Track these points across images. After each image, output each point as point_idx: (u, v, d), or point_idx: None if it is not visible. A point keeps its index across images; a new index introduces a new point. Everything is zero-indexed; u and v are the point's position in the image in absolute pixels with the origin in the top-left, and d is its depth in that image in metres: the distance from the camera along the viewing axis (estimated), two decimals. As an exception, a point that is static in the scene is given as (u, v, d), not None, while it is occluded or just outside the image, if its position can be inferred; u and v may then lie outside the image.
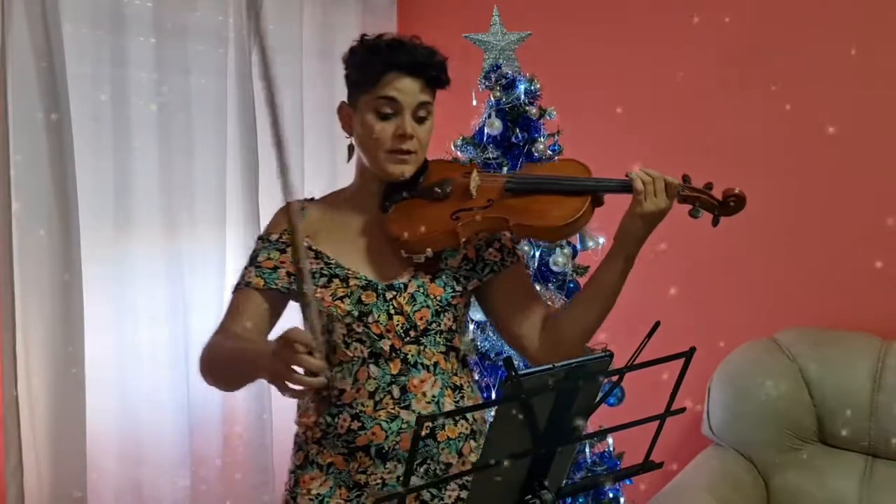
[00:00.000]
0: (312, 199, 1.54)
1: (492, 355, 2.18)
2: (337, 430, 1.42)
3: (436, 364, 1.43)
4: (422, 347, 1.42)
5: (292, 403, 1.47)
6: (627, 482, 2.31)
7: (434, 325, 1.43)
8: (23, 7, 2.17)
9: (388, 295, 1.41)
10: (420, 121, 1.41)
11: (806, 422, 2.32)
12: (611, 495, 2.25)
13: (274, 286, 1.43)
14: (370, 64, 1.38)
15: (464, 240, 1.37)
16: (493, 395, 2.16)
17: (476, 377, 2.20)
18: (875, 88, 2.40)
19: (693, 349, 1.22)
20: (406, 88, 1.37)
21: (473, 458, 1.48)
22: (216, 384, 1.44)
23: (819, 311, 2.48)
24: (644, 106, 2.78)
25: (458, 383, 1.47)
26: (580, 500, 2.20)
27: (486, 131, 2.23)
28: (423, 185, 1.44)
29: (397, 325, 1.40)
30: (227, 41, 2.72)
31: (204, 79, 2.69)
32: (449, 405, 1.43)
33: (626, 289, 2.41)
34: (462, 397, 1.46)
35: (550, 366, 1.13)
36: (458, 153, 2.29)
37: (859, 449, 2.28)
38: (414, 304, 1.42)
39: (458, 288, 1.45)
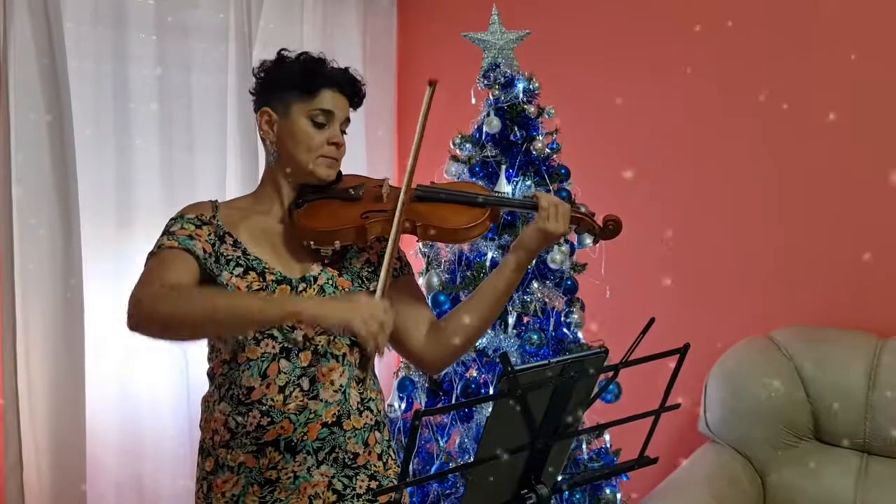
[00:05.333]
0: (217, 201, 1.57)
1: (489, 352, 2.19)
2: (246, 429, 1.45)
3: (343, 355, 1.50)
4: (331, 337, 1.48)
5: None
6: (624, 478, 2.32)
7: None
8: (25, 4, 2.18)
9: (301, 287, 1.47)
10: (342, 133, 1.54)
11: (802, 419, 2.33)
12: (607, 491, 2.27)
13: (190, 248, 1.42)
14: (311, 77, 1.49)
15: (371, 237, 1.47)
16: (491, 391, 2.17)
17: (474, 373, 2.22)
18: (873, 86, 2.41)
19: (687, 345, 1.23)
20: (339, 104, 1.51)
21: (379, 449, 1.54)
22: (163, 332, 1.35)
23: (815, 310, 2.49)
24: (642, 105, 2.79)
25: (361, 376, 1.54)
26: (576, 496, 2.22)
27: (484, 130, 2.24)
28: (337, 188, 1.55)
29: None
30: (228, 38, 2.73)
31: (205, 76, 2.70)
32: (354, 396, 1.50)
33: (624, 286, 2.44)
34: (366, 389, 1.54)
35: (546, 361, 1.15)
36: (458, 151, 2.30)
37: (854, 446, 2.29)
38: (323, 295, 1.48)
39: (363, 286, 1.54)
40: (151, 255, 1.44)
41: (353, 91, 1.53)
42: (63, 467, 2.32)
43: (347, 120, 1.54)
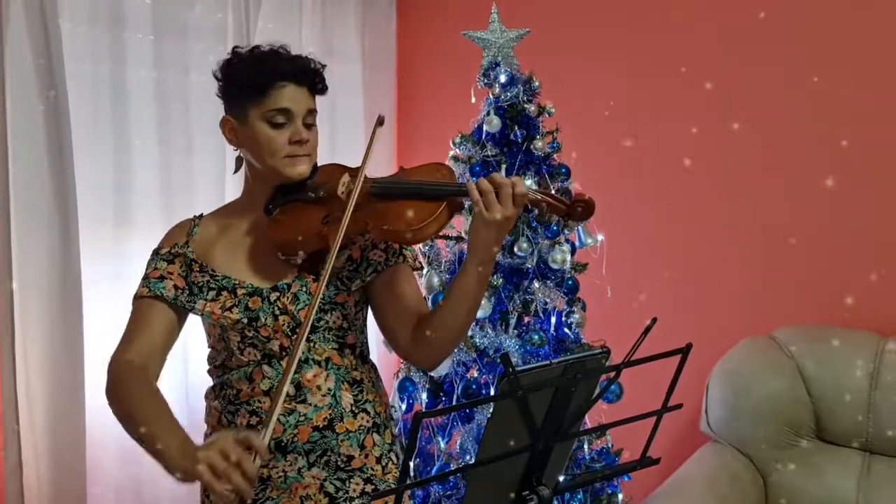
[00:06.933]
0: (202, 215, 1.57)
1: (490, 352, 2.18)
2: (237, 428, 1.46)
3: (328, 360, 1.48)
4: (311, 344, 1.47)
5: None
6: (625, 478, 2.31)
7: (322, 323, 1.48)
8: (21, 4, 2.17)
9: (273, 297, 1.46)
10: (308, 126, 1.47)
11: (804, 418, 2.32)
12: (609, 491, 2.26)
13: (159, 293, 1.46)
14: (258, 76, 1.41)
15: (333, 243, 1.39)
16: (492, 392, 2.16)
17: (475, 374, 2.21)
18: (873, 89, 2.40)
19: (689, 345, 1.23)
20: (295, 97, 1.43)
21: (377, 452, 1.52)
22: (115, 415, 1.39)
23: (817, 309, 2.48)
24: (642, 103, 2.78)
25: (357, 377, 1.51)
26: (578, 497, 2.21)
27: (484, 129, 2.23)
28: (306, 188, 1.49)
29: (283, 324, 1.45)
30: (227, 39, 2.72)
31: (203, 76, 2.68)
32: (347, 398, 1.48)
33: (626, 285, 2.43)
34: (361, 391, 1.51)
35: (548, 362, 1.14)
36: (458, 151, 2.29)
37: (857, 445, 2.28)
38: (297, 303, 1.46)
39: (342, 287, 1.49)
40: (133, 301, 1.50)
41: (310, 80, 1.46)
42: (63, 470, 2.31)
43: (311, 111, 1.46)
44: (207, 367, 1.56)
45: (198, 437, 1.58)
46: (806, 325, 2.45)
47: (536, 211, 1.41)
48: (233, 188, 2.70)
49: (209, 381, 1.59)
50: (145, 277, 1.50)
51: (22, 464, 2.25)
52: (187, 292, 1.47)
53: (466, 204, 1.54)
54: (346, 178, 1.49)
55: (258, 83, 1.41)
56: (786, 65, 2.53)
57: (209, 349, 1.55)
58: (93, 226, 2.42)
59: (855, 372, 2.27)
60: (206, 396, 1.58)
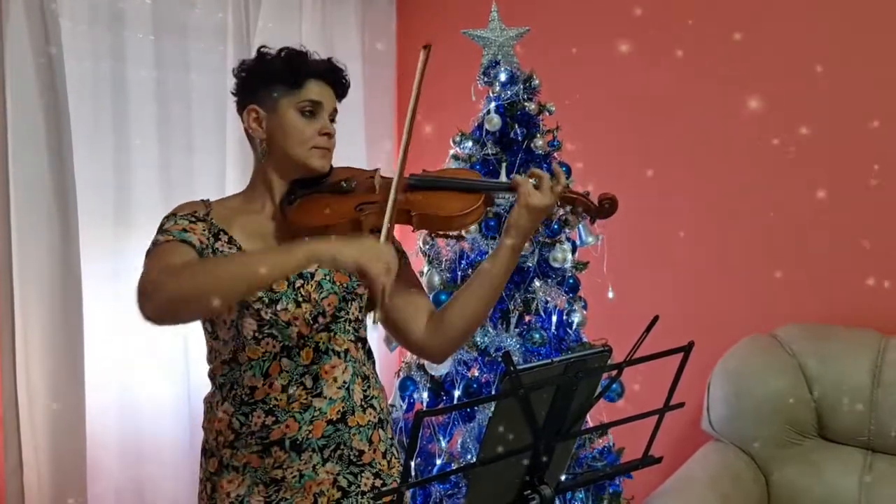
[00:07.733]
0: (209, 200, 1.55)
1: (491, 351, 2.18)
2: (251, 428, 1.45)
3: (346, 351, 1.49)
4: (332, 334, 1.48)
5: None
6: (627, 477, 2.31)
7: (343, 313, 1.50)
8: (21, 3, 2.17)
9: (298, 283, 1.46)
10: (331, 122, 1.52)
11: (806, 417, 2.32)
12: (611, 490, 2.26)
13: (186, 240, 1.41)
14: (294, 70, 1.48)
15: (367, 230, 1.45)
16: (493, 391, 2.16)
17: (476, 373, 2.21)
18: (874, 89, 2.40)
19: (691, 343, 1.22)
20: (326, 94, 1.50)
21: (383, 447, 1.54)
22: (185, 306, 1.28)
23: (819, 307, 2.48)
24: (642, 101, 2.77)
25: (366, 373, 1.54)
26: (580, 496, 2.21)
27: (485, 127, 2.23)
28: (329, 182, 1.53)
29: (305, 312, 1.46)
30: (227, 38, 2.71)
31: (203, 76, 2.69)
32: (358, 393, 1.50)
33: (627, 284, 2.43)
34: (369, 387, 1.54)
35: (549, 361, 1.14)
36: (458, 149, 2.28)
37: (859, 444, 2.28)
38: (321, 292, 1.48)
39: (362, 279, 1.49)
40: (148, 253, 1.43)
41: (336, 80, 1.52)
42: (63, 471, 2.31)
43: (335, 110, 1.52)
44: (209, 366, 1.53)
45: (197, 439, 1.57)
46: (807, 324, 2.44)
47: (570, 207, 1.51)
48: (232, 187, 2.70)
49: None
50: (164, 230, 1.42)
51: (22, 464, 2.24)
52: (210, 252, 1.43)
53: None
54: (378, 173, 1.54)
55: (294, 76, 1.47)
56: (788, 60, 2.52)
57: (210, 343, 1.51)
58: (93, 223, 2.42)
59: (857, 370, 2.26)
60: (209, 400, 1.53)
